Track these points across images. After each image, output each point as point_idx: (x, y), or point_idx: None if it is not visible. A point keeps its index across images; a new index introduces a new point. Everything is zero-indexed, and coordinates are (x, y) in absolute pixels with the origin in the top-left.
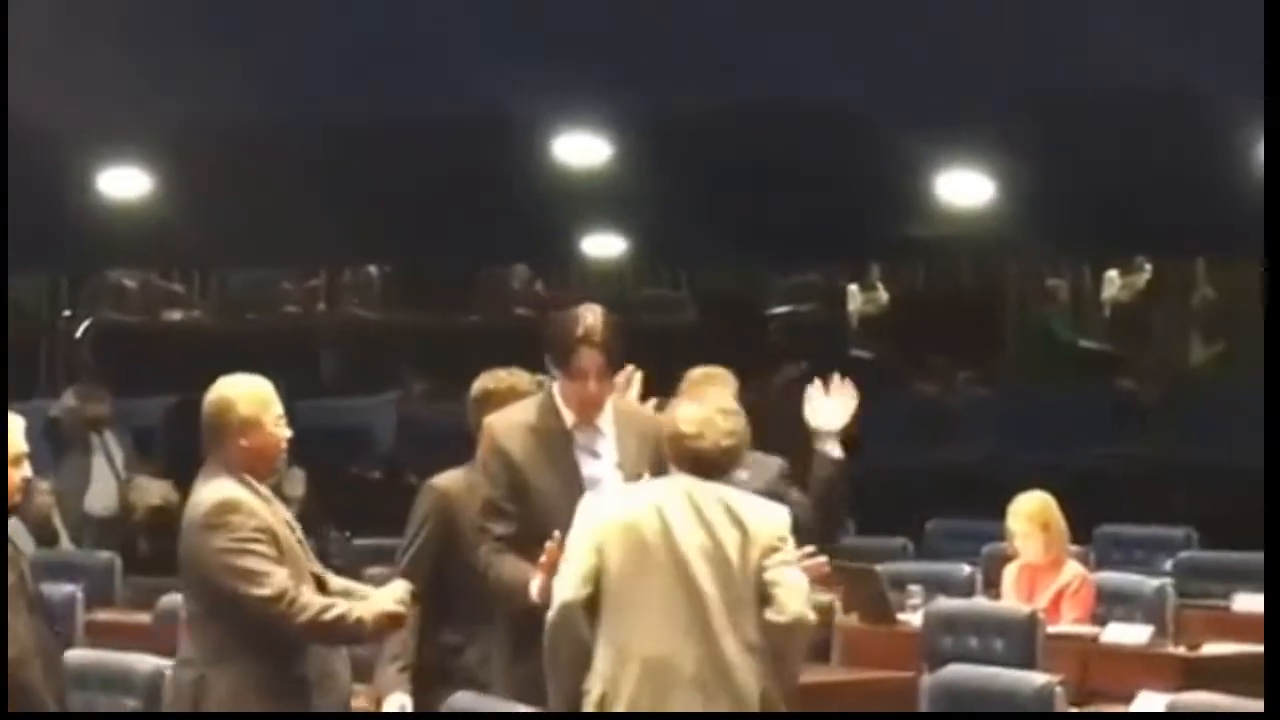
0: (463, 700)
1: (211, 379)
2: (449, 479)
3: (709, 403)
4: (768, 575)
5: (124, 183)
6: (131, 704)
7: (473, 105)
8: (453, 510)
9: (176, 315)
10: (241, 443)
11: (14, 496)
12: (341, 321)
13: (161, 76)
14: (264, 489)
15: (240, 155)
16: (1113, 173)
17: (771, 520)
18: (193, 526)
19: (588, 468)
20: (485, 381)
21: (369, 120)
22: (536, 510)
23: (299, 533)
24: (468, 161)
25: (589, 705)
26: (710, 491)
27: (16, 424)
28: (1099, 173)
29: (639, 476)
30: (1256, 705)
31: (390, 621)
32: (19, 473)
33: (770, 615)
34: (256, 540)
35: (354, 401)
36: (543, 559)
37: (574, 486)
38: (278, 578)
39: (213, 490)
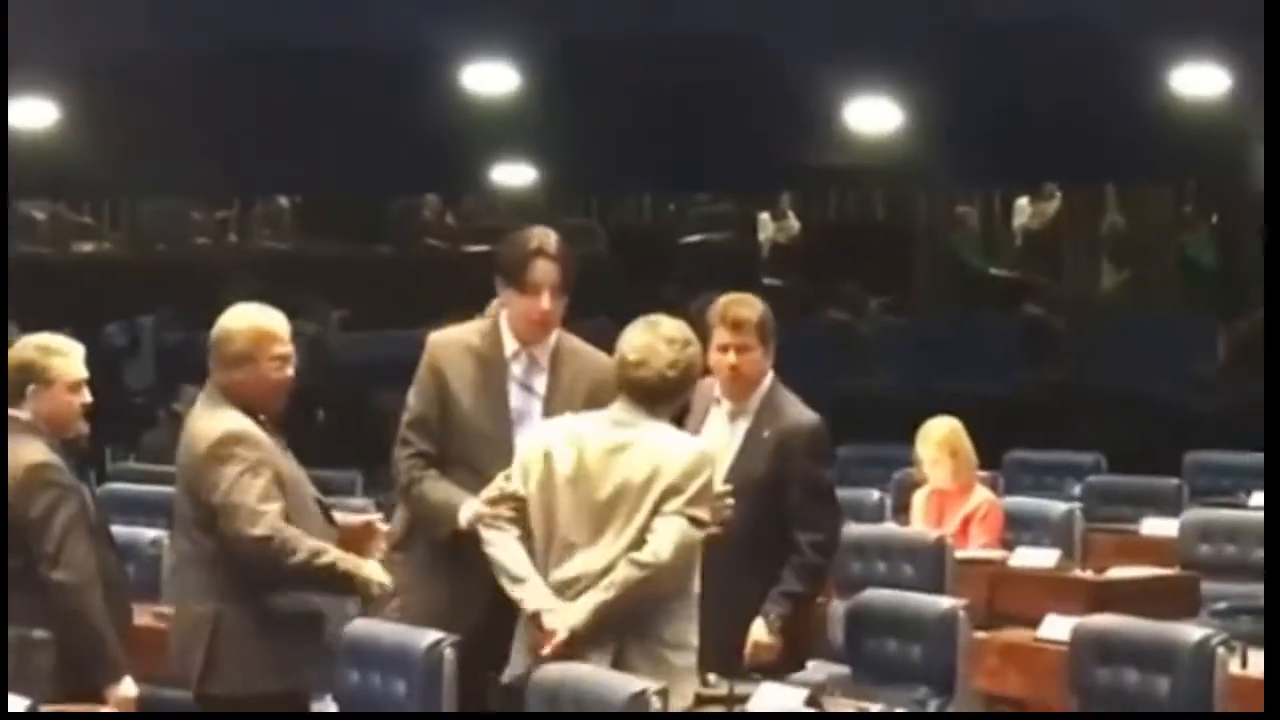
0: None
1: (121, 310)
2: None
3: (660, 330)
4: (656, 518)
5: (31, 114)
6: None
7: (381, 34)
8: None
9: (87, 247)
10: (235, 376)
11: (75, 423)
12: (253, 253)
13: (67, 6)
14: (264, 421)
15: (149, 86)
16: (1021, 100)
17: (681, 459)
18: (195, 458)
19: (517, 399)
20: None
21: (278, 50)
22: (459, 432)
23: (295, 464)
24: (376, 91)
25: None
26: (635, 424)
27: (76, 350)
28: (1008, 101)
29: (567, 414)
30: (1161, 627)
31: (368, 590)
32: (79, 399)
33: (633, 554)
34: (257, 475)
35: None
36: (491, 491)
37: (500, 415)
38: (270, 517)
39: (216, 422)
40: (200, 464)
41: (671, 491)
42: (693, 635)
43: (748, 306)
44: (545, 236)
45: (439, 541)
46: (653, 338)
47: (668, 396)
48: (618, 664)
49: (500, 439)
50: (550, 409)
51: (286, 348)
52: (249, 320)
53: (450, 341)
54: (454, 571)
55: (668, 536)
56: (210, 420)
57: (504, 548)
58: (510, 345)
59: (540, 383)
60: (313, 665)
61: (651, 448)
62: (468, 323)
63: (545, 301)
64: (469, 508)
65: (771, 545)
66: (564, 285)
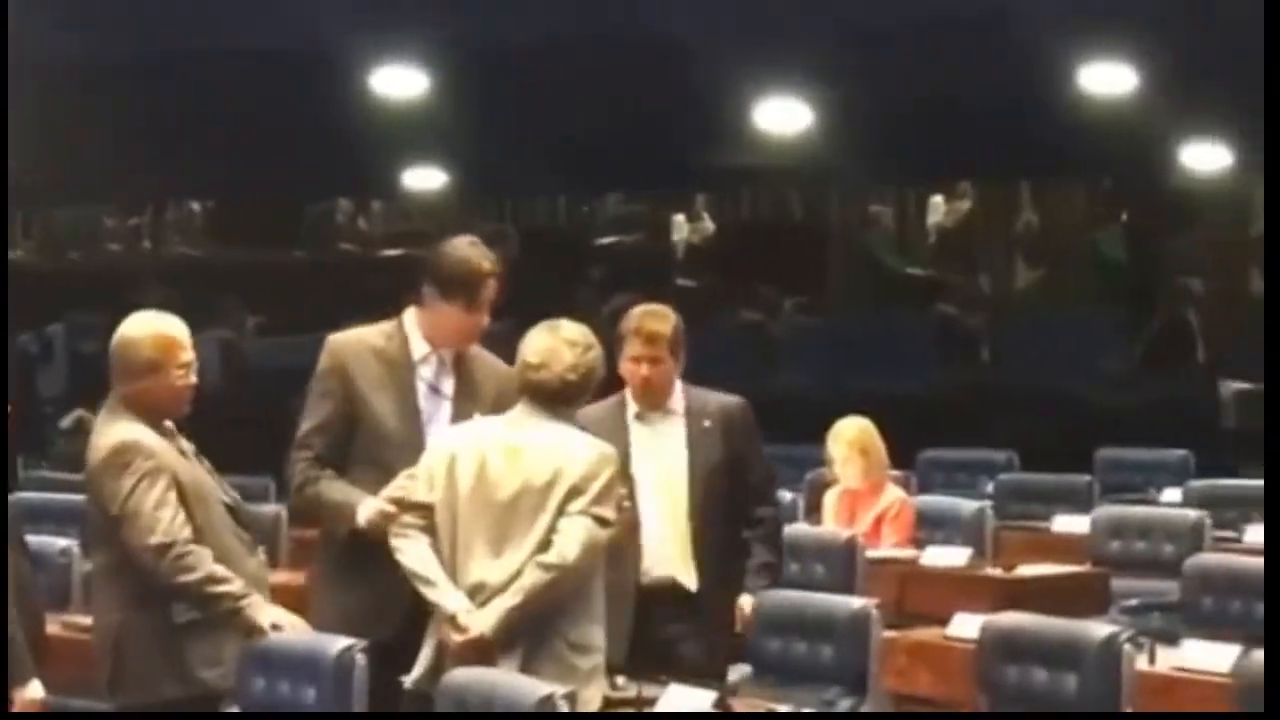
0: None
1: (34, 318)
2: None
3: (561, 333)
4: (560, 519)
5: None
6: None
7: (292, 39)
8: None
9: None
10: (140, 385)
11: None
12: (166, 259)
13: None
14: (169, 427)
15: (60, 92)
16: (934, 99)
17: (583, 460)
18: (93, 470)
19: (426, 401)
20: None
21: (189, 55)
22: (367, 432)
23: (207, 464)
24: (288, 95)
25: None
26: (536, 427)
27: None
28: (921, 99)
29: (469, 418)
30: (1068, 624)
31: (250, 634)
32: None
33: (539, 556)
34: (153, 484)
35: None
36: (392, 490)
37: (411, 417)
38: (166, 524)
39: (113, 432)
40: (99, 475)
41: (574, 492)
42: (598, 636)
43: (660, 320)
44: (492, 256)
45: (347, 549)
46: (554, 341)
47: (568, 399)
48: (525, 668)
49: (411, 440)
50: (458, 411)
51: (190, 354)
52: (152, 328)
53: (353, 342)
54: (365, 579)
55: (573, 538)
56: (107, 431)
57: (414, 554)
58: (420, 348)
59: (448, 385)
60: (216, 671)
61: (552, 449)
62: (368, 325)
63: (485, 319)
64: (368, 506)
65: (738, 525)
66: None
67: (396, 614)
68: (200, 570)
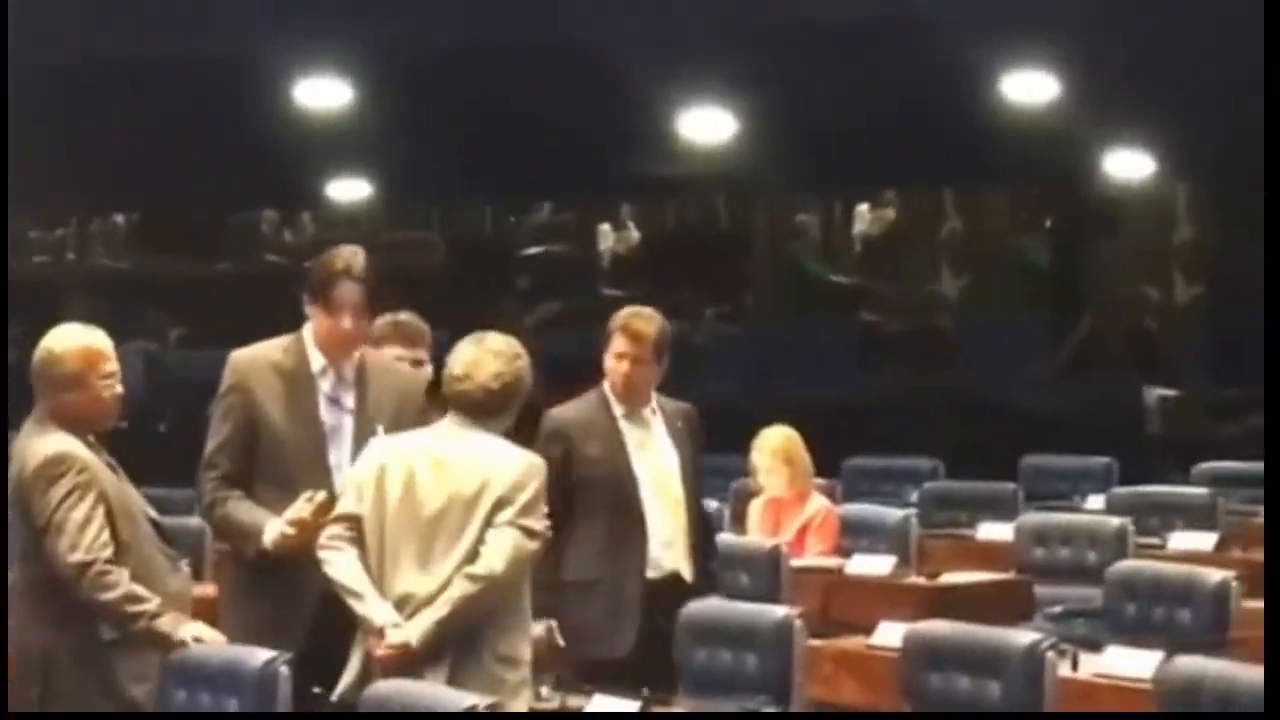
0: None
1: None
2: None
3: (485, 345)
4: (488, 531)
5: None
6: None
7: (215, 50)
8: None
9: None
10: (67, 398)
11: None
12: (91, 270)
13: None
14: (93, 441)
15: None
16: (858, 107)
17: (509, 470)
18: (23, 482)
19: (328, 414)
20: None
21: (113, 66)
22: (271, 448)
23: (126, 482)
24: (211, 106)
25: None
26: (462, 438)
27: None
28: (845, 107)
29: (374, 430)
30: (991, 632)
31: (168, 650)
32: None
33: (467, 568)
34: (82, 498)
35: None
36: (291, 513)
37: (313, 431)
38: (89, 540)
39: (45, 444)
40: (28, 487)
41: (501, 503)
42: (525, 649)
43: (646, 321)
44: (353, 257)
45: (253, 565)
46: (478, 351)
47: (492, 410)
48: (452, 680)
49: (314, 455)
50: (360, 424)
51: (115, 365)
52: (76, 340)
53: (254, 359)
54: (268, 594)
55: (500, 549)
56: (38, 443)
57: (342, 567)
58: (317, 361)
59: (349, 398)
60: (144, 687)
61: (479, 460)
62: (270, 340)
63: (347, 322)
64: (273, 528)
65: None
66: (367, 306)
67: (300, 628)
68: (119, 589)
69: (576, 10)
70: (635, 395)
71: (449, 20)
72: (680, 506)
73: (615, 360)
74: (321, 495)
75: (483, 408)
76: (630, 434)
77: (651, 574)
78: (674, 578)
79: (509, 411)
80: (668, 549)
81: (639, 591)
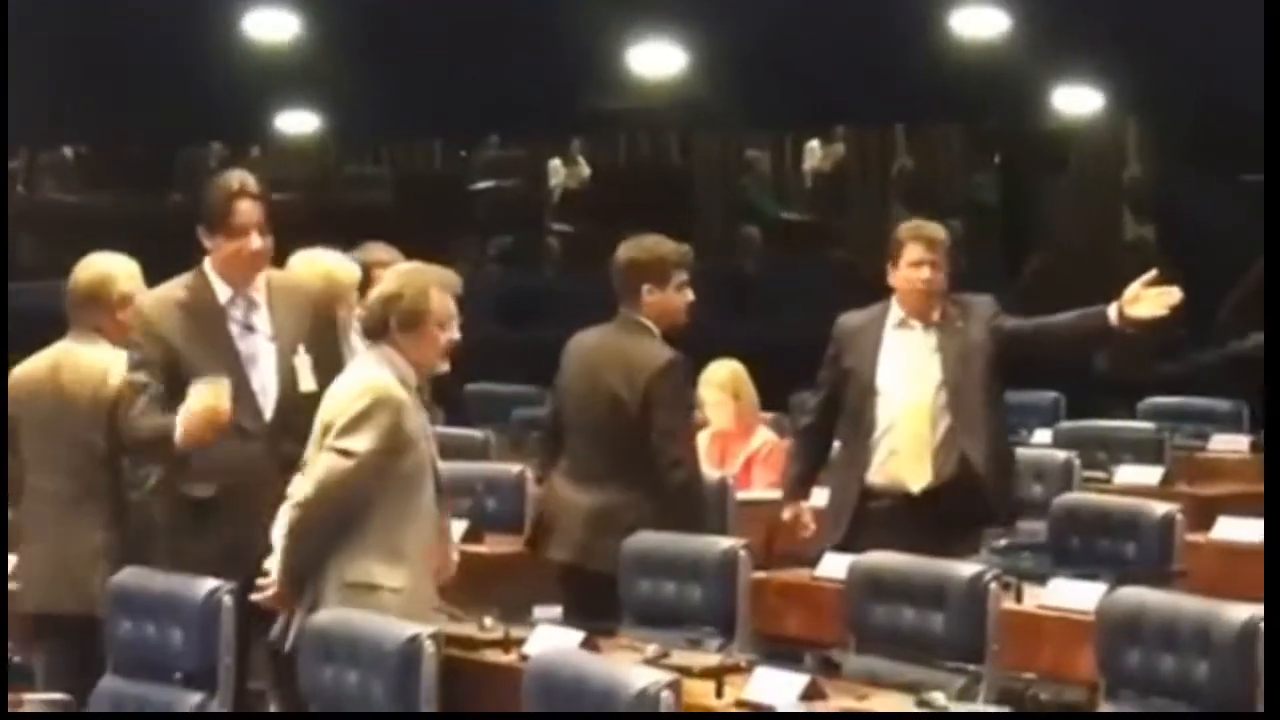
0: None
1: None
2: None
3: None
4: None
5: None
6: None
7: None
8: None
9: None
10: (120, 316)
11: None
12: (41, 204)
13: None
14: None
15: None
16: (808, 42)
17: (342, 394)
18: (94, 391)
19: (243, 342)
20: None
21: None
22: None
23: None
24: (159, 39)
25: None
26: (354, 366)
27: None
28: (794, 42)
29: (294, 349)
30: (935, 563)
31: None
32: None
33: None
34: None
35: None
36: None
37: (230, 363)
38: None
39: (113, 356)
40: (100, 390)
41: (328, 428)
42: (382, 574)
43: (936, 229)
44: (245, 177)
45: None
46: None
47: (372, 331)
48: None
49: (236, 385)
50: (281, 344)
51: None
52: (121, 264)
53: (160, 301)
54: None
55: (312, 474)
56: (104, 357)
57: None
58: (224, 292)
59: (263, 321)
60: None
61: (334, 387)
62: (170, 281)
63: (255, 240)
64: (180, 421)
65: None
66: (268, 223)
67: (250, 556)
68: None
69: None
70: (932, 300)
71: None
72: (923, 419)
73: (912, 268)
74: (223, 380)
75: (367, 331)
76: (890, 345)
77: (873, 479)
78: (897, 487)
79: (386, 328)
80: (893, 456)
81: (855, 491)
